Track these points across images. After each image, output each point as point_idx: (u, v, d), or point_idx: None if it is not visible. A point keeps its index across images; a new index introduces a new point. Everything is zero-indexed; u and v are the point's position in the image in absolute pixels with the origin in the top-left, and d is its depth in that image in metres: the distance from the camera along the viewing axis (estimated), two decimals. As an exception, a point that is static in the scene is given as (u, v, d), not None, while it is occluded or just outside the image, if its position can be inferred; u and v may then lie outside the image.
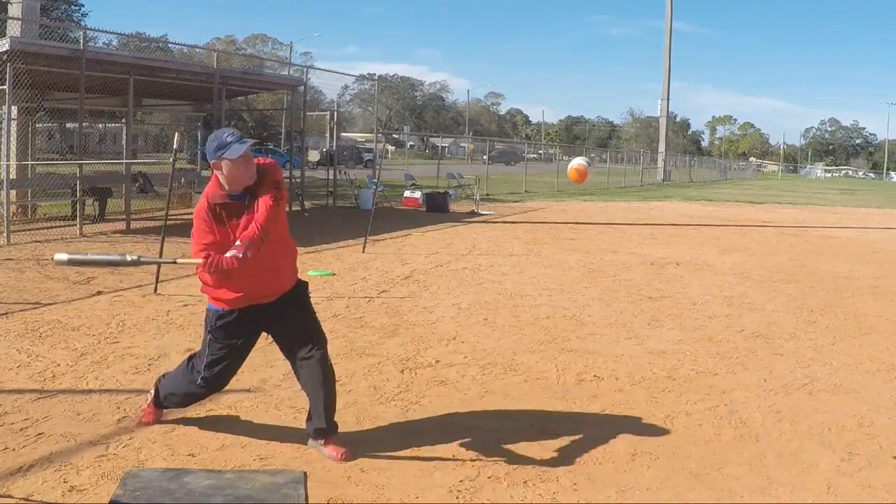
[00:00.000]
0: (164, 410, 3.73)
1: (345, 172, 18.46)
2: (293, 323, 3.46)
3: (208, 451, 3.43)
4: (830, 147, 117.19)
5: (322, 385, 3.44)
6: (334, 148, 18.31)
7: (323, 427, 3.44)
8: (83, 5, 51.88)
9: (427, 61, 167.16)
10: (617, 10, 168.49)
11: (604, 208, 19.88)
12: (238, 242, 3.20)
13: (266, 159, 3.45)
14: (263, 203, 3.26)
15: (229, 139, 3.24)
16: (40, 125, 16.70)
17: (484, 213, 16.34)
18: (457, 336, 5.70)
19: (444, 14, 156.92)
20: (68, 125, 21.27)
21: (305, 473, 2.38)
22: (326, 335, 3.58)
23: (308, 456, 3.42)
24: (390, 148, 61.35)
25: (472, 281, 8.03)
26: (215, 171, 3.31)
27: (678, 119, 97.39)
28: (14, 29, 11.50)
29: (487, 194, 21.63)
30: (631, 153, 47.48)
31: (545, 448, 3.63)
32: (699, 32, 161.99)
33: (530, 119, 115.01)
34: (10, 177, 10.33)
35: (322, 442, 3.45)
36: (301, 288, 3.54)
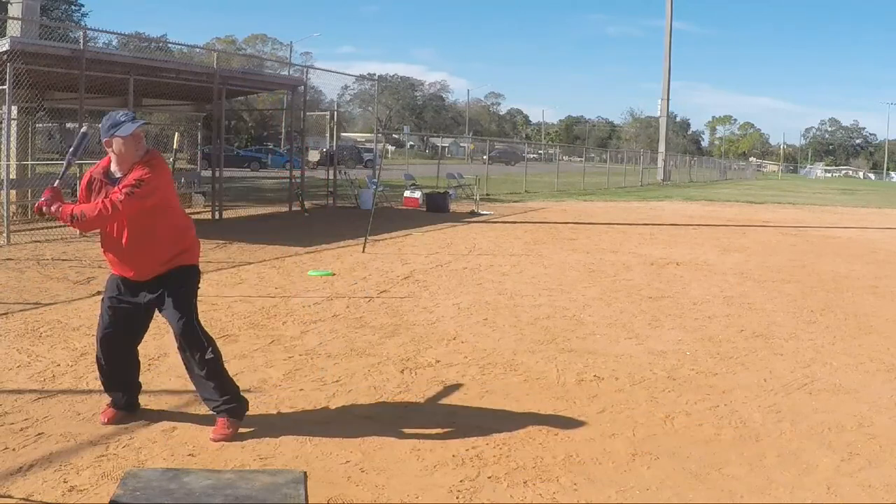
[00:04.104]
0: (121, 410, 3.77)
1: (345, 172, 18.45)
2: (161, 300, 3.59)
3: (208, 451, 3.43)
4: (830, 147, 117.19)
5: (195, 368, 3.62)
6: (334, 148, 18.31)
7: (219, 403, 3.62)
8: (83, 5, 51.90)
9: (424, 61, 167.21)
10: (612, 10, 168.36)
11: (604, 208, 19.88)
12: (76, 206, 3.45)
13: (155, 151, 3.62)
14: (110, 195, 3.42)
15: (122, 119, 3.45)
16: (40, 125, 16.70)
17: (484, 213, 16.34)
18: (457, 336, 5.70)
19: (440, 13, 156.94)
20: (68, 125, 21.26)
21: (305, 473, 2.38)
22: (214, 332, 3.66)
23: (308, 456, 3.42)
24: (390, 148, 61.31)
25: (472, 281, 8.03)
26: (107, 149, 3.50)
27: (678, 119, 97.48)
28: (14, 29, 11.51)
29: (487, 194, 21.63)
30: (631, 153, 47.47)
31: (545, 448, 3.63)
32: (698, 32, 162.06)
33: (530, 119, 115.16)
34: (10, 177, 10.34)
35: (217, 420, 3.62)
36: (178, 274, 3.62)
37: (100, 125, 3.53)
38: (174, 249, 3.59)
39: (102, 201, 3.40)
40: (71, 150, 3.70)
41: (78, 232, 3.96)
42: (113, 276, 3.68)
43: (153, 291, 3.59)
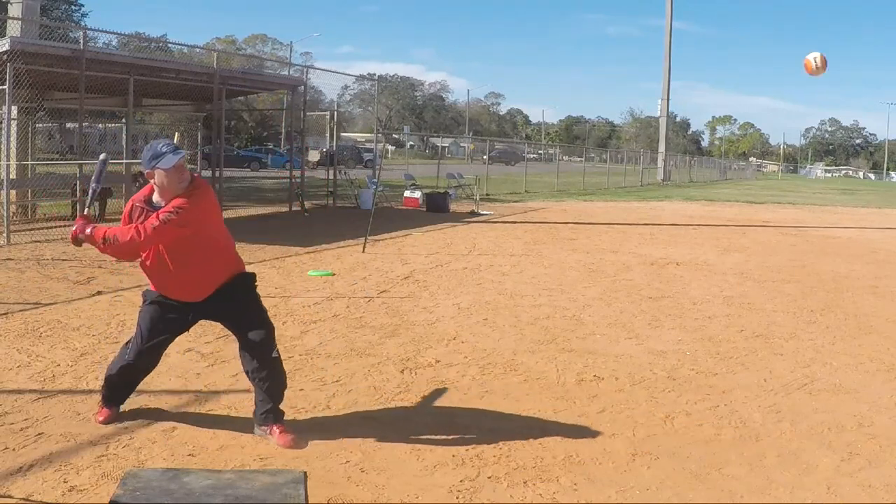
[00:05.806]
0: (118, 408, 3.75)
1: (345, 172, 18.45)
2: (226, 312, 3.61)
3: (208, 451, 3.43)
4: (830, 147, 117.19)
5: (259, 369, 3.59)
6: (334, 148, 18.31)
7: (267, 410, 3.59)
8: (83, 5, 51.94)
9: (424, 60, 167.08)
10: (612, 9, 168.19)
11: (604, 208, 19.88)
12: (109, 229, 3.40)
13: (201, 180, 3.58)
14: (148, 220, 3.38)
15: (164, 149, 3.40)
16: (40, 125, 16.70)
17: (484, 213, 16.34)
18: (457, 336, 5.70)
19: (439, 13, 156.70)
20: (68, 125, 21.27)
21: (305, 473, 2.38)
22: (274, 325, 3.70)
23: (308, 456, 3.42)
24: (390, 148, 61.33)
25: (472, 281, 8.03)
26: (150, 180, 3.48)
27: (678, 119, 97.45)
28: (14, 29, 11.50)
29: (487, 194, 21.63)
30: (631, 153, 47.47)
31: (545, 448, 3.63)
32: (698, 32, 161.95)
33: (530, 119, 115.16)
34: (10, 177, 10.34)
35: (269, 429, 3.57)
36: (238, 282, 3.63)
37: (142, 152, 3.49)
38: (223, 268, 3.58)
39: (136, 226, 3.35)
40: (94, 177, 3.66)
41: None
42: (153, 291, 3.62)
43: (210, 307, 3.57)
